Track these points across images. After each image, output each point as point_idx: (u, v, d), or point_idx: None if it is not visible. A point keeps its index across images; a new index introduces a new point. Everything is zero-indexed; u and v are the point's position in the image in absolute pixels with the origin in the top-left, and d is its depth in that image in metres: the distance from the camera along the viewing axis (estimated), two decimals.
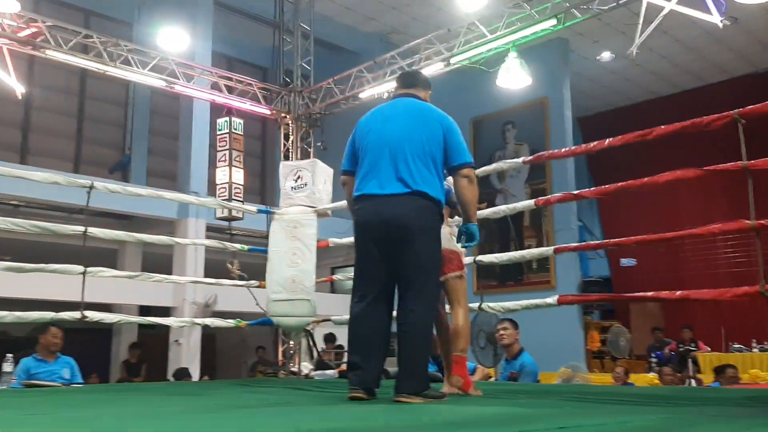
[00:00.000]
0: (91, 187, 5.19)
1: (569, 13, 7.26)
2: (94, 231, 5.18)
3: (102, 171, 12.58)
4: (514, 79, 8.17)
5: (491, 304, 4.85)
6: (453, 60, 8.23)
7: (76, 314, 4.96)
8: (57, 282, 6.60)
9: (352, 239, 6.04)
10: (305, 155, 9.85)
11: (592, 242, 6.59)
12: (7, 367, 5.00)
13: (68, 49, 7.61)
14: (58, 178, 5.19)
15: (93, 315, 5.02)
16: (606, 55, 13.27)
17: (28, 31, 7.15)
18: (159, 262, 10.75)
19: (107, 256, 11.16)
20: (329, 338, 10.15)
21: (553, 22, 7.35)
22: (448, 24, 8.61)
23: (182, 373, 9.17)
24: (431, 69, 8.29)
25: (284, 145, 10.35)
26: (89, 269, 5.02)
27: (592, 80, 14.29)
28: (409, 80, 3.61)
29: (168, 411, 2.79)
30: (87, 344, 10.04)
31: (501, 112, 12.96)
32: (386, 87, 8.87)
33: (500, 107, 12.79)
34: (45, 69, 11.57)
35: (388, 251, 3.15)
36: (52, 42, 7.46)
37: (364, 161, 3.31)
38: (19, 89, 7.59)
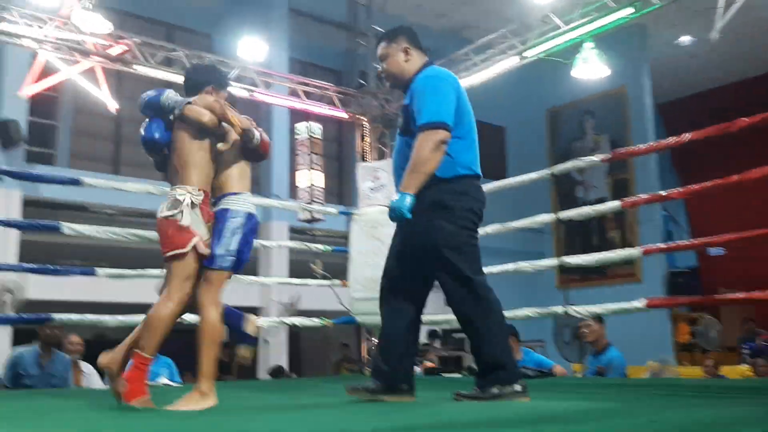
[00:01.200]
0: None
1: (646, 0, 7.08)
2: None
3: None
4: (591, 69, 8.04)
5: (576, 307, 4.79)
6: (528, 53, 8.15)
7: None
8: (153, 286, 6.93)
9: None
10: (381, 156, 9.97)
11: (682, 243, 6.39)
12: None
13: (155, 63, 7.97)
14: (150, 187, 5.47)
15: (188, 317, 5.27)
16: (686, 39, 12.83)
17: (118, 49, 7.53)
18: (249, 264, 11.12)
19: None
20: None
21: (631, 10, 7.19)
22: (521, 17, 8.54)
23: (278, 371, 9.47)
24: (506, 63, 8.25)
25: (360, 146, 10.51)
26: None
27: (672, 65, 13.84)
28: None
29: (268, 406, 2.92)
30: (181, 345, 10.49)
31: (578, 101, 12.75)
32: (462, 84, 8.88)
33: (577, 97, 12.58)
34: (132, 83, 12.11)
35: None
36: (140, 57, 7.83)
37: (470, 132, 2.97)
38: (113, 105, 8.01)
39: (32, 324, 5.32)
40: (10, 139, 9.30)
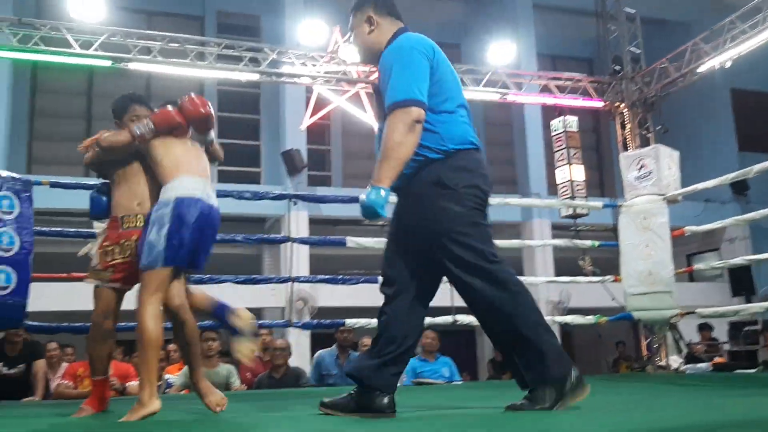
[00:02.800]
0: None
1: None
2: None
3: None
4: None
5: None
6: None
7: (448, 318, 5.53)
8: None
9: (710, 226, 5.74)
10: (644, 142, 9.46)
11: None
12: None
13: None
14: None
15: (463, 318, 5.52)
16: None
17: (377, 74, 8.13)
18: (510, 265, 11.27)
19: None
20: (704, 327, 9.48)
21: None
22: None
23: None
24: None
25: (621, 134, 10.08)
26: None
27: None
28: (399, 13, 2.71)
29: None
30: (455, 345, 10.95)
31: None
32: (728, 55, 8.13)
33: None
34: None
35: None
36: None
37: (454, 101, 2.51)
38: (377, 126, 8.64)
39: (328, 329, 5.95)
40: (295, 167, 10.50)
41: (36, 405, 3.91)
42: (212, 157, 3.14)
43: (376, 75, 8.57)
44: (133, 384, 5.07)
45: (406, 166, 2.35)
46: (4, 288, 4.11)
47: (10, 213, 4.24)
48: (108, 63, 7.45)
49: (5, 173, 4.39)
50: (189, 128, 3.01)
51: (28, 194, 4.36)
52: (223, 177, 12.12)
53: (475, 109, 13.88)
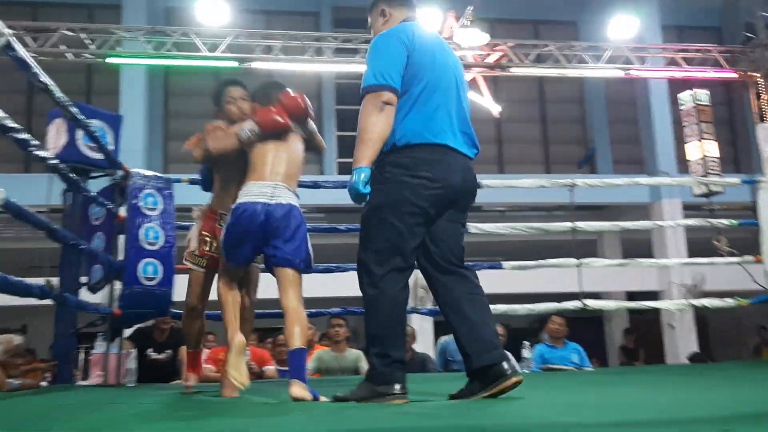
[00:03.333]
0: (573, 185, 5.60)
1: None
2: (581, 225, 5.57)
3: (570, 167, 13.25)
4: None
5: None
6: None
7: (577, 304, 5.41)
8: (551, 275, 7.22)
9: None
10: None
11: None
12: (526, 353, 5.69)
13: (529, 62, 8.30)
14: (543, 181, 5.73)
15: (593, 303, 5.39)
16: None
17: (494, 56, 8.04)
18: (636, 248, 10.83)
19: (587, 247, 11.70)
20: None
21: None
22: None
23: (698, 357, 9.07)
24: None
25: (756, 105, 9.44)
26: (583, 261, 5.42)
27: None
28: (412, 4, 2.74)
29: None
30: (581, 331, 10.68)
31: None
32: None
33: None
34: (508, 84, 12.77)
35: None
36: (515, 59, 8.24)
37: (432, 96, 2.47)
38: (496, 109, 8.57)
39: None
40: None
41: (181, 387, 4.21)
42: (315, 148, 3.24)
43: (494, 58, 8.52)
44: (270, 368, 5.32)
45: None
46: (152, 279, 4.42)
47: (155, 209, 4.55)
48: (234, 64, 7.81)
49: (149, 172, 4.71)
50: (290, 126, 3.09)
51: (169, 191, 4.65)
52: (344, 169, 12.39)
53: (596, 86, 13.44)
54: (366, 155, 2.38)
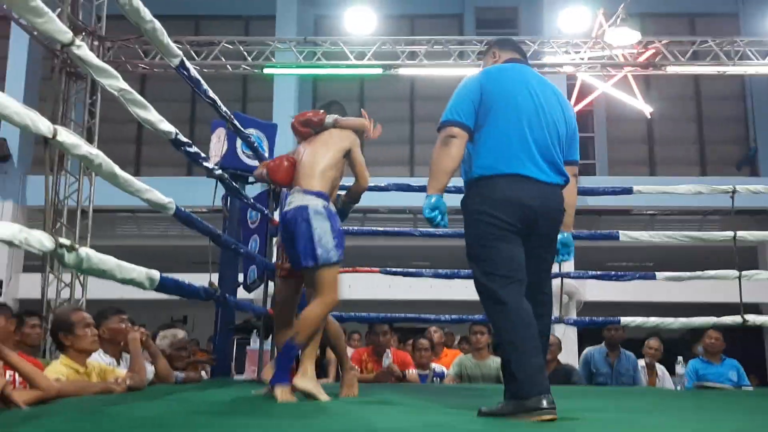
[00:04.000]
0: (734, 192, 5.24)
1: None
2: (743, 234, 5.20)
3: (728, 168, 12.39)
4: None
5: None
6: None
7: (737, 319, 5.04)
8: (708, 283, 6.79)
9: None
10: None
11: None
12: (679, 369, 5.39)
13: (685, 60, 7.86)
14: (701, 187, 5.40)
15: (755, 319, 5.01)
16: None
17: (647, 54, 7.68)
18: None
19: (746, 254, 10.88)
20: None
21: None
22: None
23: None
24: None
25: None
26: (744, 273, 5.05)
27: None
28: (520, 48, 2.98)
29: None
30: (739, 345, 9.95)
31: None
32: None
33: None
34: (660, 82, 12.13)
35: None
36: (670, 57, 7.83)
37: (507, 128, 2.60)
38: (647, 109, 8.18)
39: (597, 327, 5.77)
40: None
41: (329, 386, 4.41)
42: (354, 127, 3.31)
43: (645, 55, 8.13)
44: (412, 372, 5.39)
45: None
46: None
47: None
48: (379, 71, 8.00)
49: None
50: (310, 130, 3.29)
51: None
52: None
53: (759, 82, 12.44)
54: (432, 185, 2.63)
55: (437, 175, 2.62)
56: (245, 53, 8.30)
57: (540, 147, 2.61)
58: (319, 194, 3.03)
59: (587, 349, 6.22)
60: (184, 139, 2.82)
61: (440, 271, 5.65)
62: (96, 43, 7.86)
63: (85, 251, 1.94)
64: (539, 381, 2.34)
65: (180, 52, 2.82)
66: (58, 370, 3.11)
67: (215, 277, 4.71)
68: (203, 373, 5.63)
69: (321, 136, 3.23)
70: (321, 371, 5.79)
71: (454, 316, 5.54)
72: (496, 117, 2.61)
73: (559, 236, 2.75)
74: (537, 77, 2.80)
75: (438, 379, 5.64)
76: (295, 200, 3.08)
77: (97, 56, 7.57)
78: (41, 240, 1.75)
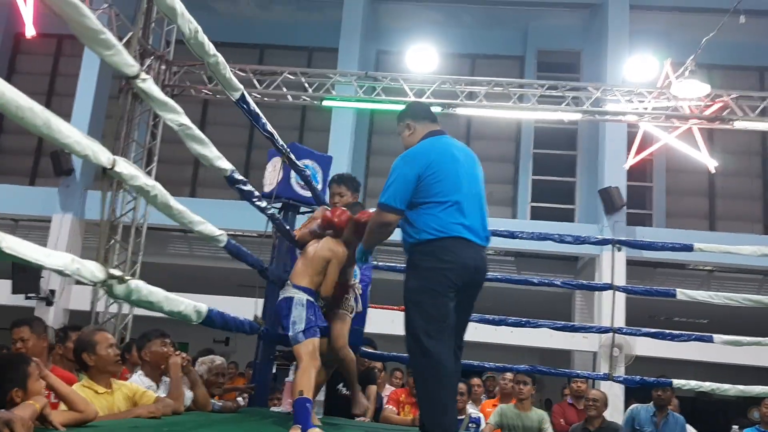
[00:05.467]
0: None
1: None
2: None
3: None
4: None
5: None
6: None
7: None
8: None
9: None
10: None
11: None
12: None
13: (754, 115, 7.63)
14: (766, 249, 5.18)
15: None
16: None
17: (714, 107, 7.49)
18: None
19: None
20: None
21: None
22: None
23: None
24: None
25: None
26: None
27: None
28: (433, 114, 3.40)
29: None
30: None
31: None
32: None
33: None
34: (724, 135, 11.80)
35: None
36: (738, 112, 7.62)
37: (444, 199, 3.05)
38: (712, 164, 7.95)
39: (648, 386, 5.55)
40: (613, 205, 10.11)
41: (363, 424, 4.31)
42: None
43: (712, 108, 7.92)
44: None
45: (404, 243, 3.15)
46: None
47: None
48: (438, 109, 8.00)
49: None
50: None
51: None
52: (536, 214, 12.14)
53: None
54: (365, 243, 3.32)
55: (368, 243, 3.30)
56: (306, 84, 8.41)
57: (471, 212, 3.05)
58: (305, 290, 3.60)
59: (633, 406, 6.03)
60: (239, 177, 2.82)
61: (487, 316, 5.52)
62: (163, 67, 8.08)
63: (135, 283, 1.93)
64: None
65: (241, 87, 2.84)
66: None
67: (260, 305, 4.73)
68: (240, 399, 5.60)
69: (322, 242, 3.74)
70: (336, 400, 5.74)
71: (498, 365, 5.41)
72: (435, 190, 3.03)
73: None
74: (457, 146, 3.22)
75: (474, 425, 5.50)
76: (286, 291, 3.65)
77: (164, 80, 7.78)
78: (93, 271, 1.75)
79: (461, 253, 2.98)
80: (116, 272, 1.84)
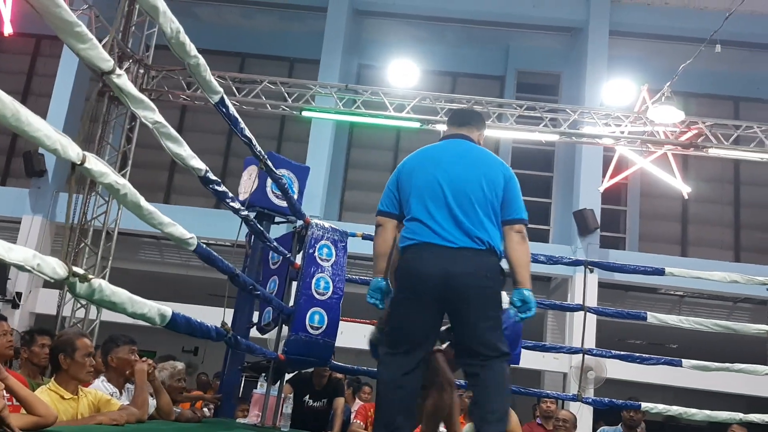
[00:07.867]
0: None
1: None
2: None
3: (763, 257, 12.10)
4: None
5: None
6: None
7: (765, 416, 4.83)
8: (737, 376, 6.56)
9: None
10: None
11: None
12: None
13: (728, 143, 7.75)
14: (737, 276, 5.23)
15: None
16: None
17: (689, 134, 7.60)
18: None
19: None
20: None
21: None
22: None
23: None
24: None
25: None
26: None
27: None
28: (462, 118, 3.24)
29: None
30: None
31: None
32: None
33: None
34: (698, 162, 11.98)
35: (440, 312, 2.89)
36: (713, 140, 7.73)
37: (414, 205, 2.96)
38: (686, 190, 8.05)
39: (617, 408, 5.55)
40: (587, 227, 10.18)
41: None
42: None
43: (687, 135, 8.02)
44: None
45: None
46: (318, 328, 4.51)
47: (328, 260, 4.67)
48: (416, 125, 8.01)
49: (327, 224, 4.87)
50: None
51: (344, 244, 4.77)
52: None
53: None
54: (375, 269, 3.09)
55: (376, 258, 3.08)
56: (286, 94, 8.39)
57: (444, 215, 2.86)
58: None
59: (601, 429, 6.03)
60: (213, 177, 2.78)
61: None
62: (141, 71, 8.00)
63: (98, 282, 1.88)
64: None
65: (221, 90, 2.80)
66: (42, 396, 3.02)
67: (229, 314, 4.65)
68: (206, 410, 5.50)
69: None
70: (328, 423, 5.67)
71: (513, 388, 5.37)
72: (409, 198, 2.97)
73: (514, 293, 2.92)
74: (450, 149, 3.05)
75: None
76: None
77: (142, 84, 7.69)
78: (54, 267, 1.70)
79: (415, 260, 2.84)
80: (79, 270, 1.78)
